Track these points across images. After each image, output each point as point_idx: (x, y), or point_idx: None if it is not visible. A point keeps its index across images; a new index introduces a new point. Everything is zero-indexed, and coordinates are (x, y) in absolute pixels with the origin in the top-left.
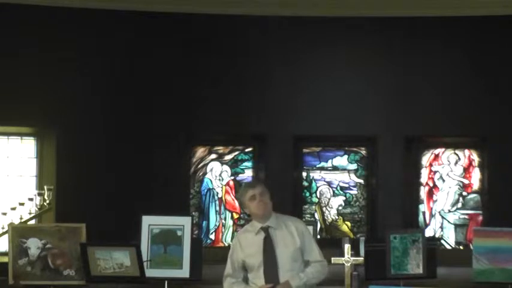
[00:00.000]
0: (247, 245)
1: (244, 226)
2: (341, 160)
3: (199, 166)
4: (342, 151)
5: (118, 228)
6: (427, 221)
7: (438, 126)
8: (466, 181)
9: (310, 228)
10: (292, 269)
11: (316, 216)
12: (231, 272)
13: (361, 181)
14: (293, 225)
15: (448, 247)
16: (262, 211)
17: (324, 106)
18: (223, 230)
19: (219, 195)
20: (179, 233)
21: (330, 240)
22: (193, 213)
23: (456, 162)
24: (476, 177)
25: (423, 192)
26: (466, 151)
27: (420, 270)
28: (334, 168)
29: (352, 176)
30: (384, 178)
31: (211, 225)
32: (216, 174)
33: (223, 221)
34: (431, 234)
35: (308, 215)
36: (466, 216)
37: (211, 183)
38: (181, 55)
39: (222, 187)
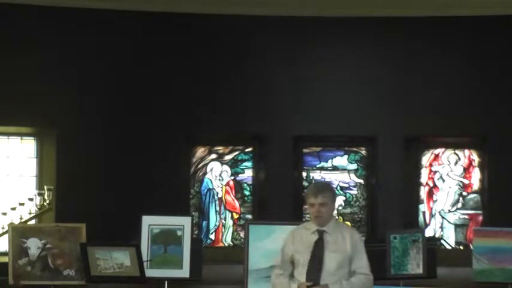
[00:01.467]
0: (298, 241)
1: (302, 223)
2: (341, 160)
3: (199, 166)
4: (342, 151)
5: (118, 228)
6: (427, 221)
7: (438, 126)
8: (466, 181)
9: None
10: (335, 274)
11: None
12: (279, 264)
13: (361, 181)
14: (348, 233)
15: (448, 247)
16: (317, 221)
17: (324, 106)
18: (223, 230)
19: (219, 195)
20: (179, 233)
21: None
22: (193, 213)
23: (456, 162)
24: (476, 177)
25: (423, 192)
26: (466, 151)
27: (420, 270)
28: (334, 168)
29: (352, 176)
30: (384, 178)
31: (211, 225)
32: (216, 174)
33: (223, 221)
34: (431, 234)
35: (308, 215)
36: (466, 216)
37: (211, 183)
38: (181, 55)
39: (222, 187)
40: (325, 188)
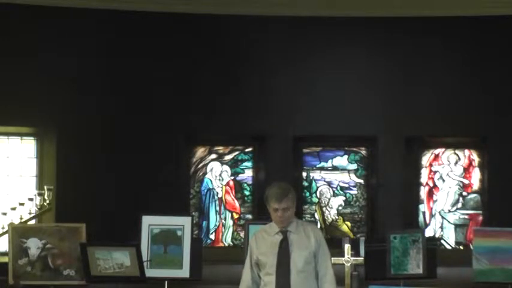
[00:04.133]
0: (261, 244)
1: (263, 226)
2: (341, 160)
3: (199, 166)
4: (342, 151)
5: (118, 228)
6: (427, 221)
7: (438, 126)
8: (466, 181)
9: None
10: (304, 271)
11: (316, 216)
12: (248, 266)
13: (361, 181)
14: (312, 231)
15: (448, 247)
16: (281, 225)
17: (324, 106)
18: (223, 230)
19: (219, 195)
20: (179, 233)
21: (330, 240)
22: (193, 213)
23: (456, 162)
24: (476, 177)
25: (423, 192)
26: (466, 151)
27: (420, 270)
28: (334, 168)
29: (352, 176)
30: (384, 178)
31: (211, 225)
32: (216, 174)
33: (223, 221)
34: (431, 234)
35: (308, 215)
36: (466, 216)
37: (211, 183)
38: (181, 55)
39: (222, 187)
40: (288, 192)
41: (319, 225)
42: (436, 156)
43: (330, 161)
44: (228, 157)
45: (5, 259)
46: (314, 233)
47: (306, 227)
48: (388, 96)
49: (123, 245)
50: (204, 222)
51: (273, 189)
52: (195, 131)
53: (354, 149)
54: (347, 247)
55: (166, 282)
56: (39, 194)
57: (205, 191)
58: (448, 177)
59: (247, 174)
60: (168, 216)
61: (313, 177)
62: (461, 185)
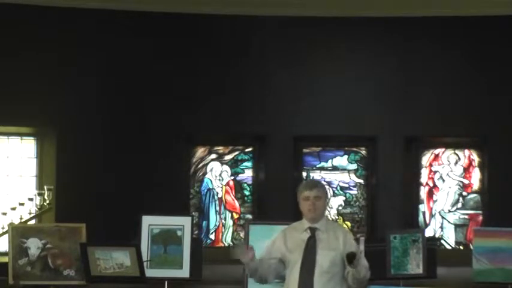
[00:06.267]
0: (290, 240)
1: (292, 223)
2: (341, 160)
3: (199, 166)
4: (342, 151)
5: (118, 228)
6: (427, 221)
7: (438, 126)
8: (466, 181)
9: None
10: (328, 272)
11: None
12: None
13: (361, 181)
14: (342, 232)
15: (448, 247)
16: (312, 215)
17: (324, 106)
18: (223, 230)
19: (219, 195)
20: (179, 233)
21: None
22: (193, 213)
23: (456, 162)
24: (476, 177)
25: (423, 192)
26: (466, 151)
27: (420, 270)
28: (334, 168)
29: (352, 176)
30: (384, 178)
31: (211, 225)
32: (216, 174)
33: (223, 221)
34: (431, 234)
35: None
36: (466, 216)
37: (211, 183)
38: (181, 55)
39: (222, 187)
40: (320, 184)
41: None
42: (436, 156)
43: (329, 161)
44: (228, 157)
45: (5, 259)
46: (343, 235)
47: (336, 228)
48: (388, 96)
49: (123, 245)
50: (204, 222)
51: (303, 182)
52: (195, 131)
53: (354, 149)
54: None
55: (166, 282)
56: (39, 194)
57: (205, 191)
58: (448, 177)
59: (247, 174)
60: (168, 216)
61: (313, 177)
62: (461, 185)
